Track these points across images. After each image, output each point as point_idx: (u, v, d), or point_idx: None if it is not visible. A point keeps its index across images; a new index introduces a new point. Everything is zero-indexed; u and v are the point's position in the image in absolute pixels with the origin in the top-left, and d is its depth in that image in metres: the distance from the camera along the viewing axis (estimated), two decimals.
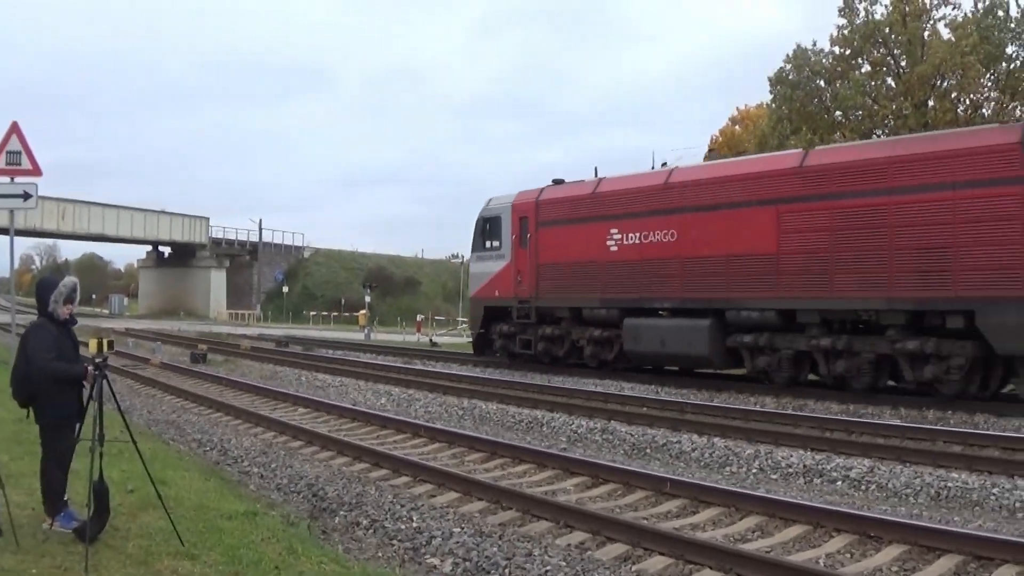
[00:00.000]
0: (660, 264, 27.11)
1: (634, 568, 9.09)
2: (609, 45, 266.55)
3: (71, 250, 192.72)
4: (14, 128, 18.94)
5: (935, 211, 20.88)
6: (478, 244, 35.08)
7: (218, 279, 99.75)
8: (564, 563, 9.03)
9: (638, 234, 27.68)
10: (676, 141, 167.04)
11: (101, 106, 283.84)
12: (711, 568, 8.82)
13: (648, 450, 16.30)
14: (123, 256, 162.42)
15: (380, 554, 9.88)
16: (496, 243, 33.68)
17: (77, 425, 8.62)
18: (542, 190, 32.39)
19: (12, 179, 19.03)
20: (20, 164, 18.91)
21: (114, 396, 8.91)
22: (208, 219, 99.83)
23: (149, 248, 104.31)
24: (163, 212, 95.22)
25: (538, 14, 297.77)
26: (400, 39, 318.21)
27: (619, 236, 28.35)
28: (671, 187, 27.16)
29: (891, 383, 22.86)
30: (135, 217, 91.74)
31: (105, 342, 8.29)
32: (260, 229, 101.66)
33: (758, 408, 20.42)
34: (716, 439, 16.42)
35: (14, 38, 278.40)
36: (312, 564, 7.95)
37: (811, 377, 24.17)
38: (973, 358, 20.45)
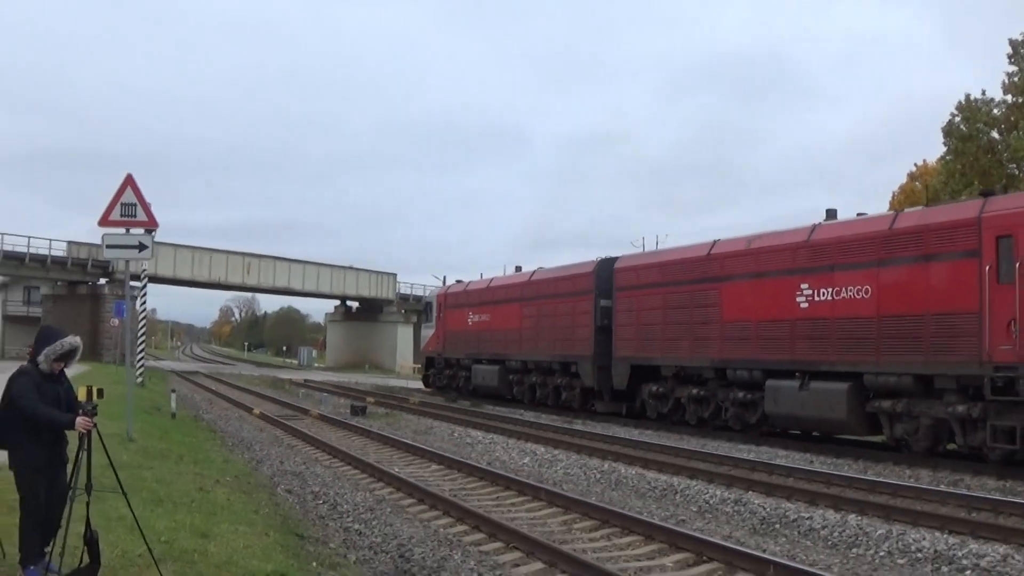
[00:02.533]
0: (480, 334, 45.19)
1: None
2: (791, 106, 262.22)
3: (269, 303, 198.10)
4: (128, 181, 18.92)
5: (566, 310, 37.41)
6: (424, 319, 55.88)
7: (404, 334, 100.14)
8: None
9: (483, 315, 45.03)
10: (860, 199, 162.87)
11: (297, 169, 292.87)
12: None
13: (777, 525, 15.04)
14: (320, 310, 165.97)
15: None
16: (430, 318, 52.36)
17: (62, 475, 8.00)
18: (448, 287, 51.72)
19: (127, 230, 19.00)
20: (135, 216, 18.86)
21: (103, 445, 8.21)
22: (395, 275, 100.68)
23: (338, 302, 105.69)
24: (351, 268, 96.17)
25: (721, 78, 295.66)
26: (590, 104, 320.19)
27: (474, 317, 45.98)
28: (490, 290, 45.20)
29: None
30: (322, 272, 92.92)
31: (94, 389, 7.72)
32: (445, 285, 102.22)
33: (910, 483, 18.79)
34: (851, 516, 15.03)
35: (219, 108, 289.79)
36: None
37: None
38: (581, 389, 36.48)
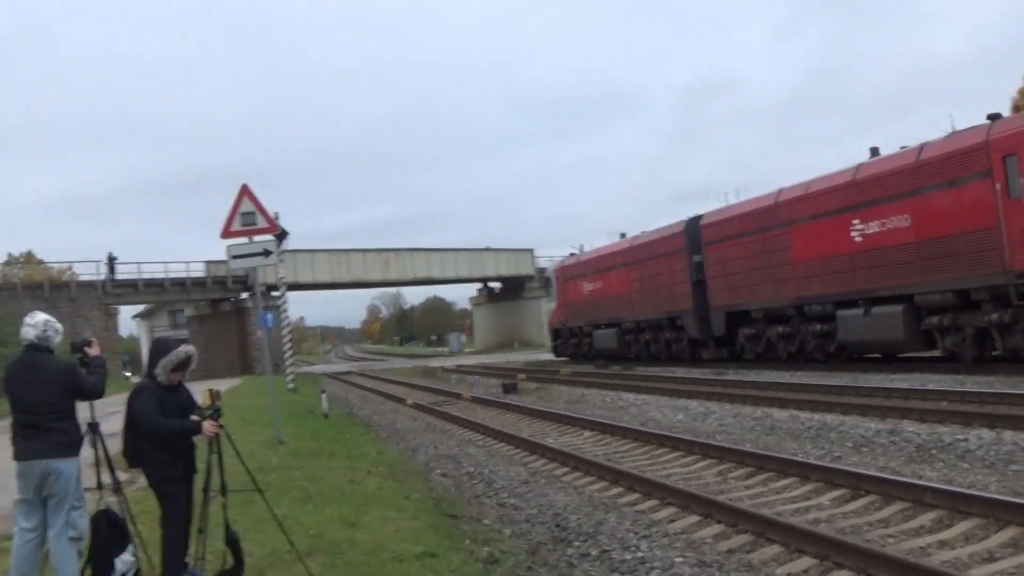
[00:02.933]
0: (595, 302, 49.27)
1: None
2: (905, 25, 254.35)
3: (414, 295, 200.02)
4: (244, 191, 18.99)
5: (665, 269, 40.92)
6: (546, 293, 61.83)
7: (549, 308, 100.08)
8: None
9: (596, 284, 49.13)
10: (985, 106, 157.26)
11: (425, 159, 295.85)
12: None
13: (933, 451, 14.68)
14: (464, 295, 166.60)
15: None
16: (551, 293, 57.56)
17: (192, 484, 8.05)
18: (563, 261, 57.37)
19: (250, 239, 19.22)
20: (256, 224, 18.96)
21: (233, 446, 8.23)
22: (532, 251, 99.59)
23: (479, 285, 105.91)
24: (487, 249, 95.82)
25: (833, 6, 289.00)
26: (704, 52, 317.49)
27: (589, 286, 50.11)
28: (599, 259, 49.19)
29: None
30: (459, 257, 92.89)
31: (213, 392, 7.77)
32: (561, 259, 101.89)
33: None
34: (1006, 433, 14.61)
35: (336, 111, 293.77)
36: None
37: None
38: (688, 340, 40.11)
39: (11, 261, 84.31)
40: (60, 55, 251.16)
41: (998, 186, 22.87)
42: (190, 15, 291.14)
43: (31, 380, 7.52)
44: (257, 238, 18.98)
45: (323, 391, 33.32)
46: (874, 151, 29.55)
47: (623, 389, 30.37)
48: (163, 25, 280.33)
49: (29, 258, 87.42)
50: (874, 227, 27.49)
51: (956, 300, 24.81)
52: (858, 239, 28.12)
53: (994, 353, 24.25)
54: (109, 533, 7.73)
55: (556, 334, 56.43)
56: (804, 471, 13.33)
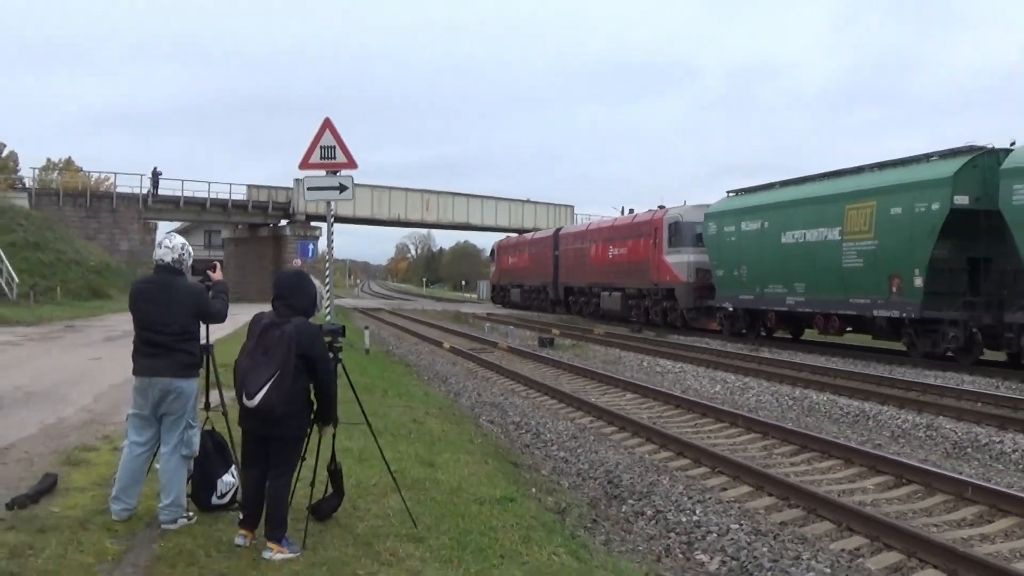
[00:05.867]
0: (514, 269, 71.52)
1: None
2: (962, 30, 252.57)
3: (445, 238, 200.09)
4: (327, 124, 19.39)
5: (543, 256, 64.94)
6: (491, 260, 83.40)
7: (491, 270, 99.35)
8: (829, 570, 8.46)
9: (515, 258, 71.95)
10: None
11: (473, 110, 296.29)
12: None
13: (969, 449, 15.13)
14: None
15: (645, 547, 9.44)
16: (494, 259, 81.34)
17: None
18: (501, 240, 78.86)
19: (327, 172, 19.63)
20: (335, 158, 19.34)
21: (350, 382, 8.37)
22: (572, 207, 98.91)
23: (515, 236, 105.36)
24: (527, 201, 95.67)
25: (893, 3, 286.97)
26: (759, 33, 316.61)
27: (511, 259, 73.22)
28: (516, 244, 73.33)
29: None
30: (499, 206, 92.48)
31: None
32: (623, 215, 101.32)
33: None
34: None
35: (399, 55, 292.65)
36: (543, 554, 7.44)
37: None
38: (549, 299, 63.60)
39: (49, 166, 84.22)
40: None
41: (652, 242, 44.98)
42: None
43: (162, 300, 7.66)
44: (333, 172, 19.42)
45: (366, 328, 33.79)
46: (631, 211, 55.49)
47: (659, 355, 30.78)
48: None
49: (68, 165, 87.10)
50: (616, 252, 50.31)
51: (637, 293, 47.68)
52: (612, 256, 50.81)
53: (650, 319, 46.32)
54: (214, 454, 8.00)
55: (493, 288, 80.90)
56: (848, 454, 13.77)
